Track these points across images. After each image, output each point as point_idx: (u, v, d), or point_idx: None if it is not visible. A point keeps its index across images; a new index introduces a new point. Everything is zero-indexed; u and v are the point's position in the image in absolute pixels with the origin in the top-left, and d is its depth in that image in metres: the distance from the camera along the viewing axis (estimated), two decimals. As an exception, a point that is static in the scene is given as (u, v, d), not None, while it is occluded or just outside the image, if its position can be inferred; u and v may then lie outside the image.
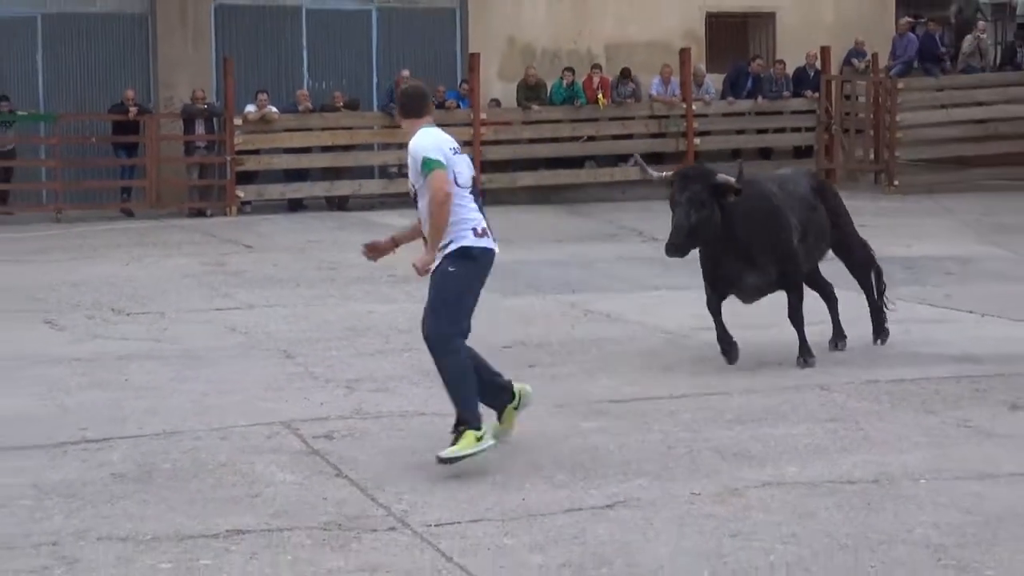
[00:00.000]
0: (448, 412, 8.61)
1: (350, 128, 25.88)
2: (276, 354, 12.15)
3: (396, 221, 23.02)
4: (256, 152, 25.19)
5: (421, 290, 15.71)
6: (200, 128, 25.35)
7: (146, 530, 7.22)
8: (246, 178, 25.14)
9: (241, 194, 24.87)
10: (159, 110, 25.72)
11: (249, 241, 20.82)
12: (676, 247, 11.19)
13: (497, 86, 27.49)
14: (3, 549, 6.96)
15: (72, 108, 25.41)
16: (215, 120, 25.34)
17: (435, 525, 7.31)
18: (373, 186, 25.88)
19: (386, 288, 16.17)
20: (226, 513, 7.48)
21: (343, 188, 25.62)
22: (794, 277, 11.74)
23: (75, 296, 15.66)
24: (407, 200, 24.21)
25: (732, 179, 11.05)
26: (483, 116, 26.11)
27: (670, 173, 11.76)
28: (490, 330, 13.10)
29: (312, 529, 7.25)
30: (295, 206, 25.35)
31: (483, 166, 25.82)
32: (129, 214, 24.74)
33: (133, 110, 24.83)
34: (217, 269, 17.84)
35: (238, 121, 24.87)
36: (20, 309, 14.86)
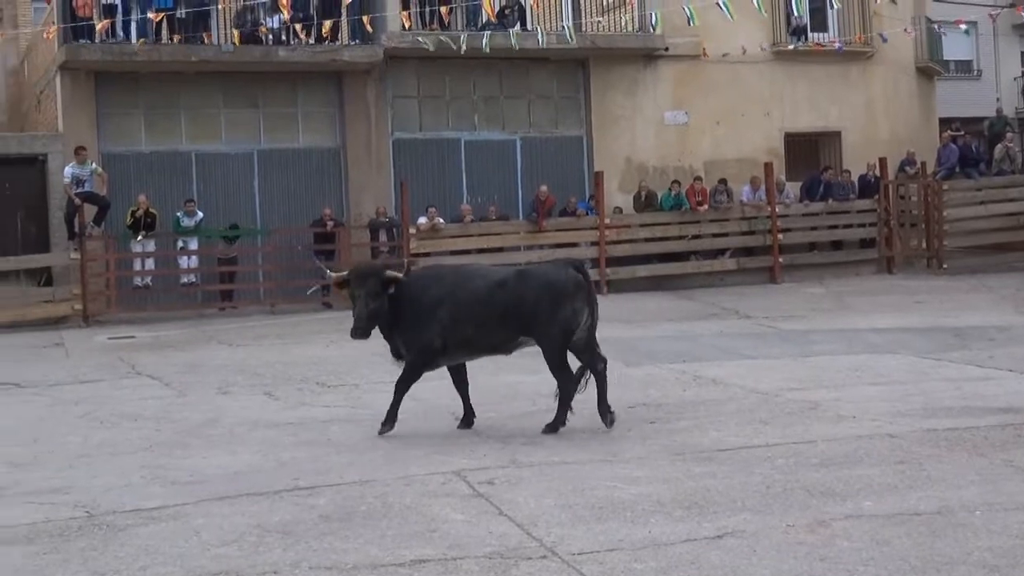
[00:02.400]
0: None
1: (500, 234, 26.01)
2: (447, 416, 12.13)
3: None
4: (427, 255, 25.35)
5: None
6: (383, 237, 25.61)
7: (347, 560, 7.21)
8: (420, 275, 25.29)
9: (416, 288, 25.00)
10: (350, 223, 26.01)
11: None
12: (359, 331, 11.02)
13: (618, 197, 27.52)
14: (233, 575, 7.00)
15: (281, 223, 25.79)
16: (395, 230, 25.57)
17: (578, 554, 7.23)
18: (521, 279, 25.90)
19: (532, 362, 16.08)
20: (411, 546, 7.45)
21: (497, 281, 25.68)
22: (411, 356, 11.23)
23: (287, 372, 15.82)
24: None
25: (398, 274, 11.05)
26: (607, 221, 26.13)
27: (344, 273, 11.41)
28: (620, 392, 13.06)
29: (479, 558, 7.20)
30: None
31: (608, 261, 25.87)
32: (328, 306, 24.95)
33: (330, 224, 25.15)
34: (398, 348, 17.92)
35: (412, 231, 25.10)
36: (246, 383, 15.03)
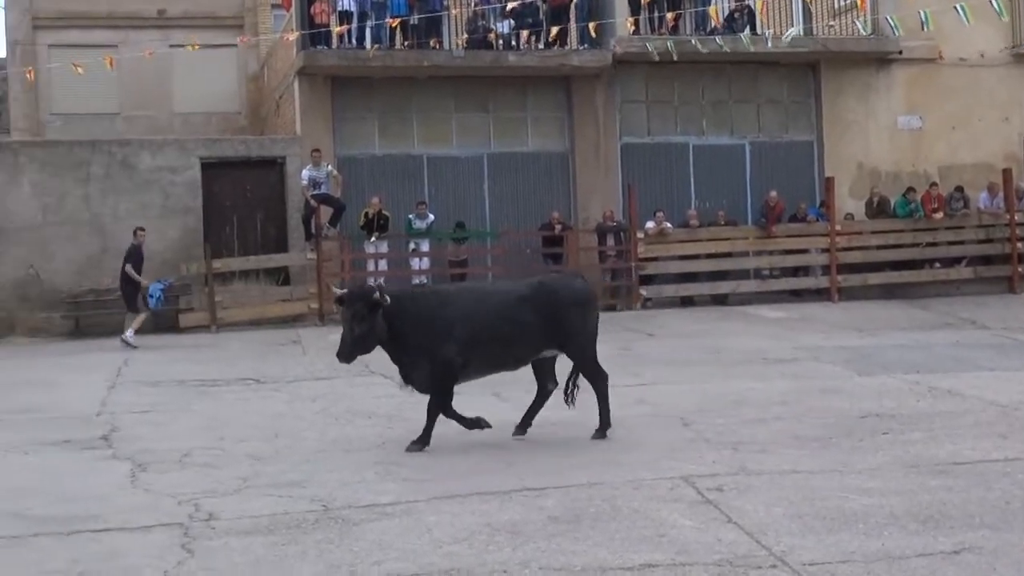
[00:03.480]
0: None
1: (729, 239, 25.77)
2: (675, 421, 12.09)
3: (769, 314, 22.79)
4: (655, 259, 25.31)
5: (793, 369, 15.51)
6: (611, 241, 25.62)
7: (576, 562, 7.23)
8: (647, 280, 25.27)
9: (644, 293, 24.99)
10: (578, 227, 26.09)
11: (651, 330, 20.85)
12: (342, 354, 10.80)
13: (849, 203, 26.99)
14: (464, 574, 7.06)
15: (510, 226, 26.00)
16: (622, 234, 25.56)
17: (809, 564, 7.11)
18: (749, 285, 25.64)
19: (761, 369, 15.94)
20: (639, 550, 7.44)
21: (724, 287, 25.48)
22: (435, 376, 10.98)
23: (516, 375, 15.75)
24: (779, 296, 23.85)
25: (386, 297, 10.70)
26: (838, 227, 25.64)
27: (338, 294, 11.13)
28: (853, 402, 12.83)
29: (708, 565, 7.14)
30: (686, 302, 25.30)
31: (839, 268, 25.39)
32: (555, 309, 25.12)
33: (558, 227, 25.27)
34: (626, 353, 17.89)
35: (640, 235, 25.06)
36: (476, 384, 15.16)
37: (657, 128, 27.23)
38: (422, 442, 10.95)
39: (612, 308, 24.79)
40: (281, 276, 24.35)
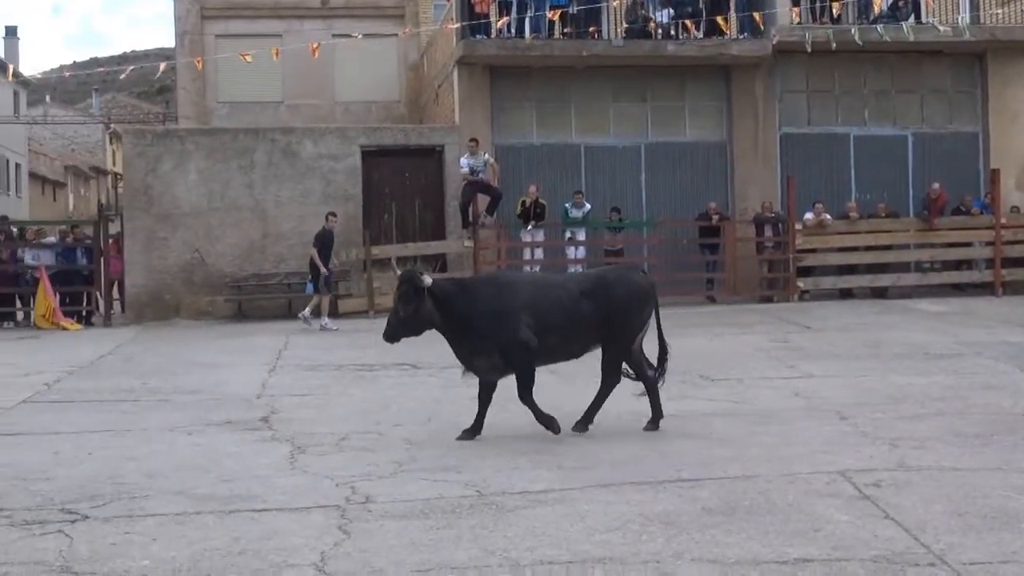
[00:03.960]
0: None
1: (890, 231, 25.31)
2: (831, 415, 11.90)
3: (930, 308, 22.33)
4: (813, 251, 24.98)
5: (954, 364, 15.18)
6: (768, 231, 25.36)
7: (730, 555, 7.17)
8: (805, 272, 24.96)
9: (801, 284, 24.70)
10: (736, 218, 25.88)
11: (808, 323, 20.59)
12: (387, 334, 10.79)
13: (1015, 195, 26.31)
14: (617, 563, 7.05)
15: (667, 216, 25.90)
16: (780, 225, 25.27)
17: (969, 564, 6.94)
18: (910, 279, 25.20)
19: (922, 363, 15.62)
20: (794, 544, 7.34)
21: (885, 280, 25.07)
22: (517, 362, 10.81)
23: (671, 364, 15.78)
24: (940, 290, 23.40)
25: (428, 280, 10.61)
26: (1003, 220, 25.00)
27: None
28: (1013, 400, 12.49)
29: (864, 561, 7.01)
30: (845, 294, 24.95)
31: (1003, 262, 24.77)
32: (712, 300, 24.98)
33: (715, 218, 25.09)
34: (782, 345, 17.70)
35: (798, 226, 24.74)
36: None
37: (817, 118, 26.86)
38: (546, 421, 10.91)
39: (768, 299, 24.56)
40: (438, 263, 24.58)
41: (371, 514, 8.18)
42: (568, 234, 25.42)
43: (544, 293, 11.04)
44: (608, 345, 11.20)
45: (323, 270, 22.09)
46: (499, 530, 7.72)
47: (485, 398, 11.03)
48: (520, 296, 10.90)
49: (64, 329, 23.24)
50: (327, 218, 22.69)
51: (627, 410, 12.30)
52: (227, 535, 7.70)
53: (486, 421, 11.06)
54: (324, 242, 22.30)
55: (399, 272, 11.13)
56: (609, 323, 11.07)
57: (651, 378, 11.51)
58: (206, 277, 24.70)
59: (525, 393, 10.98)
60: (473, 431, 10.96)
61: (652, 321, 11.48)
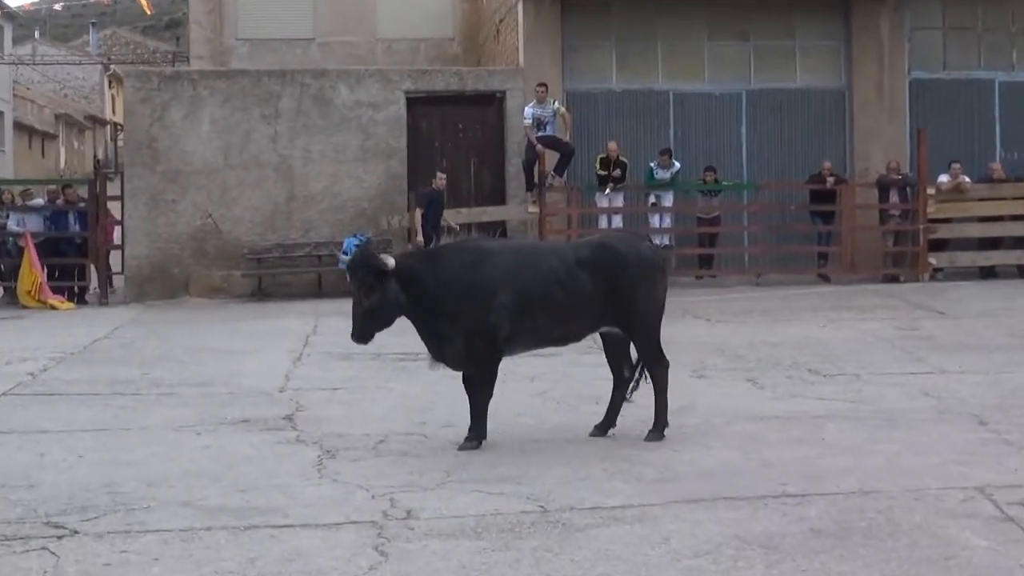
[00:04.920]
0: None
1: (1044, 197, 25.06)
2: (968, 419, 11.79)
3: (1091, 290, 22.13)
4: (948, 221, 24.77)
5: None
6: (894, 197, 25.16)
7: (843, 586, 7.13)
8: (938, 246, 24.76)
9: (933, 261, 24.52)
10: (855, 180, 25.71)
11: (941, 307, 20.43)
12: (357, 334, 10.66)
13: None
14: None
15: (772, 177, 25.78)
16: (908, 190, 25.07)
17: None
18: (1066, 255, 24.95)
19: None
20: (923, 574, 7.28)
21: (1035, 256, 24.83)
22: (475, 353, 10.70)
23: (774, 356, 15.80)
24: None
25: (390, 261, 10.48)
26: None
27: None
28: None
29: (1008, 595, 6.97)
30: (986, 273, 24.72)
31: None
32: (825, 279, 24.86)
33: (830, 180, 24.94)
34: (909, 334, 17.58)
35: (931, 191, 24.53)
36: (725, 367, 15.13)
37: (955, 61, 26.65)
38: (476, 436, 10.84)
39: (894, 279, 24.41)
40: (498, 232, 24.58)
41: (413, 532, 8.20)
42: (652, 199, 25.36)
43: (530, 262, 10.94)
44: (629, 330, 11.13)
45: (418, 237, 22.29)
46: (566, 553, 7.71)
47: (477, 395, 10.92)
48: (497, 267, 10.79)
49: (53, 308, 23.48)
50: (435, 176, 22.93)
51: (718, 409, 12.27)
52: (242, 556, 7.73)
53: (553, 421, 11.04)
54: (429, 206, 22.54)
55: (345, 257, 11.09)
56: (618, 300, 10.97)
57: (625, 380, 11.36)
58: (221, 247, 24.86)
59: (479, 389, 10.89)
60: (474, 436, 10.87)
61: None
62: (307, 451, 10.85)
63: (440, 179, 23.01)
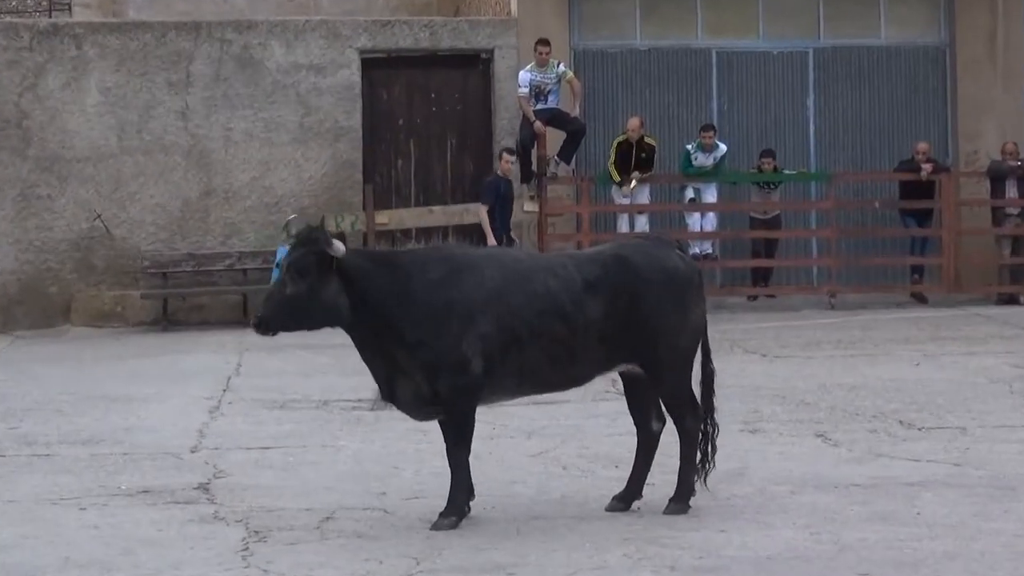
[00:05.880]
0: None
1: None
2: None
3: None
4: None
5: None
6: (1012, 190, 25.18)
7: None
8: (1073, 255, 24.83)
9: (1065, 276, 24.58)
10: (959, 167, 25.71)
11: (1077, 337, 20.53)
12: (261, 321, 10.74)
13: None
14: None
15: (849, 165, 25.82)
16: (1032, 180, 25.12)
17: None
18: None
19: None
20: None
21: None
22: (448, 399, 10.69)
23: (853, 402, 15.79)
24: None
25: (337, 247, 10.50)
26: None
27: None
28: None
29: None
30: None
31: None
32: (921, 299, 24.85)
33: (927, 168, 24.92)
34: (1033, 375, 17.61)
35: (1062, 181, 24.61)
36: (787, 417, 15.11)
37: (1093, 8, 26.70)
38: (455, 511, 10.83)
39: (1012, 300, 24.40)
40: (482, 237, 24.58)
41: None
42: (690, 193, 25.37)
43: (520, 281, 10.93)
44: (653, 371, 11.12)
45: (490, 240, 22.26)
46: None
47: (451, 455, 10.92)
48: (476, 284, 10.81)
49: None
50: (501, 156, 23.01)
51: (778, 474, 12.27)
52: None
53: (559, 490, 11.03)
54: (498, 197, 22.58)
55: (292, 232, 11.10)
56: (633, 330, 10.99)
57: (654, 434, 11.39)
58: (113, 259, 24.84)
59: (453, 446, 10.90)
60: (450, 512, 10.84)
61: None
62: (228, 532, 10.84)
63: (507, 161, 23.00)
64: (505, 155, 23.25)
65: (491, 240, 22.31)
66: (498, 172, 23.25)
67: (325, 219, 23.68)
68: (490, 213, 22.77)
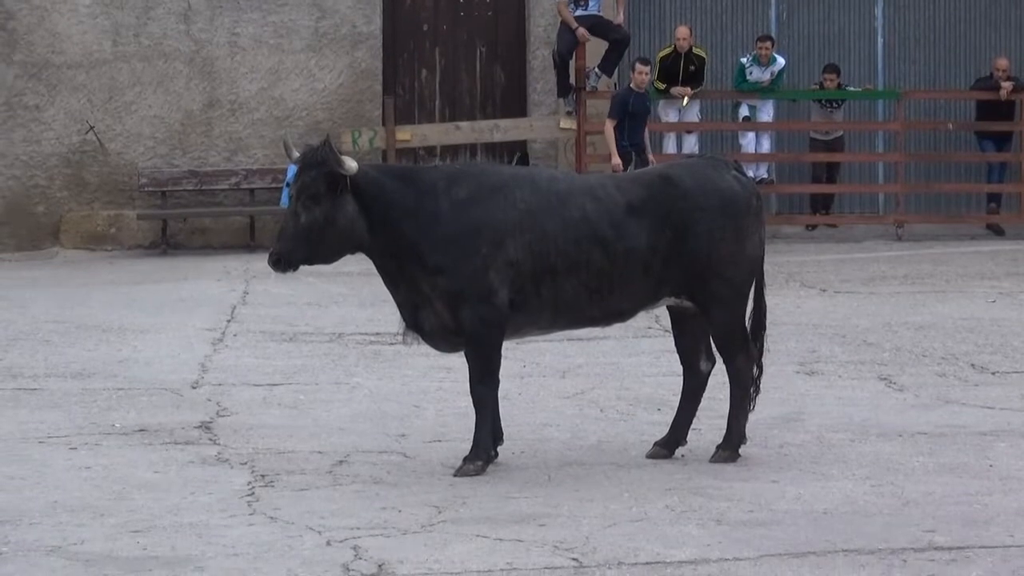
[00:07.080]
0: None
1: None
2: None
3: None
4: None
5: None
6: (1102, 113, 25.13)
7: None
8: None
9: None
10: (1044, 86, 25.68)
11: None
12: (279, 257, 10.75)
13: None
14: None
15: (920, 83, 25.74)
16: (1126, 99, 25.05)
17: None
18: None
19: None
20: None
21: None
22: (469, 329, 10.75)
23: (920, 344, 15.80)
24: None
25: (353, 165, 10.51)
26: None
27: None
28: None
29: None
30: None
31: None
32: (997, 231, 24.81)
33: (1006, 86, 24.85)
34: None
35: None
36: (847, 359, 15.12)
37: None
38: (480, 455, 10.89)
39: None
40: (516, 157, 24.56)
41: (387, 597, 8.24)
42: (744, 111, 25.34)
43: (556, 204, 10.95)
44: (704, 306, 11.15)
45: (614, 160, 22.28)
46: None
47: (475, 393, 10.99)
48: (508, 206, 10.86)
49: None
50: (634, 69, 22.98)
51: (837, 421, 12.28)
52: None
53: (595, 435, 11.05)
54: (629, 111, 22.58)
55: (292, 153, 11.00)
56: (682, 260, 11.01)
57: (702, 375, 11.45)
58: (107, 176, 24.86)
59: (478, 383, 10.96)
60: (475, 456, 10.92)
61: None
62: (232, 476, 10.89)
63: (641, 72, 22.96)
64: (639, 65, 23.14)
65: (615, 160, 22.26)
66: (630, 85, 23.14)
67: (344, 133, 23.73)
68: (617, 129, 22.68)
